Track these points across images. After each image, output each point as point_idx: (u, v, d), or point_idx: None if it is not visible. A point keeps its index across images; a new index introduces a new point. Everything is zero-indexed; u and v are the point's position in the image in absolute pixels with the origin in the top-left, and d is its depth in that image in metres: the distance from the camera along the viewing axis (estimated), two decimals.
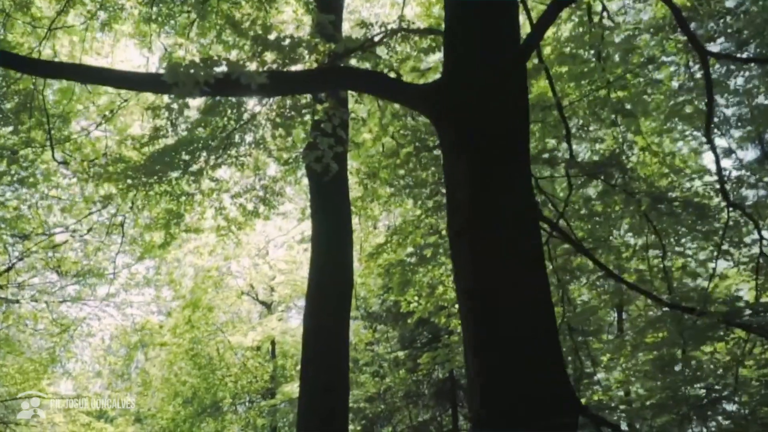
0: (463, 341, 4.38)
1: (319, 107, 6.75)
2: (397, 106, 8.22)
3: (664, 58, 8.52)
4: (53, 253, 13.98)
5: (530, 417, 3.65)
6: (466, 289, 4.21)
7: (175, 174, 8.36)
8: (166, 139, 8.12)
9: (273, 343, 27.07)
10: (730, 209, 7.22)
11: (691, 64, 8.49)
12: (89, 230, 12.59)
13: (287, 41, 5.26)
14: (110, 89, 11.44)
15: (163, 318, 18.64)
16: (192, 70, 4.35)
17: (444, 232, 8.66)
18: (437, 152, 8.42)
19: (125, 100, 11.16)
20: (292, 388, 15.55)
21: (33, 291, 15.00)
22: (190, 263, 13.56)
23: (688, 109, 8.48)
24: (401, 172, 9.38)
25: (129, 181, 8.06)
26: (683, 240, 8.85)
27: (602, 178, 7.63)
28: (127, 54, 12.71)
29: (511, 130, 4.44)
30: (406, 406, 14.15)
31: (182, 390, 23.31)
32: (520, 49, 4.73)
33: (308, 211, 15.59)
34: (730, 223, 7.59)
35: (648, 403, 7.86)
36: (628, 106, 7.86)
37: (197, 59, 4.52)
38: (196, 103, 7.14)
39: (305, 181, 11.35)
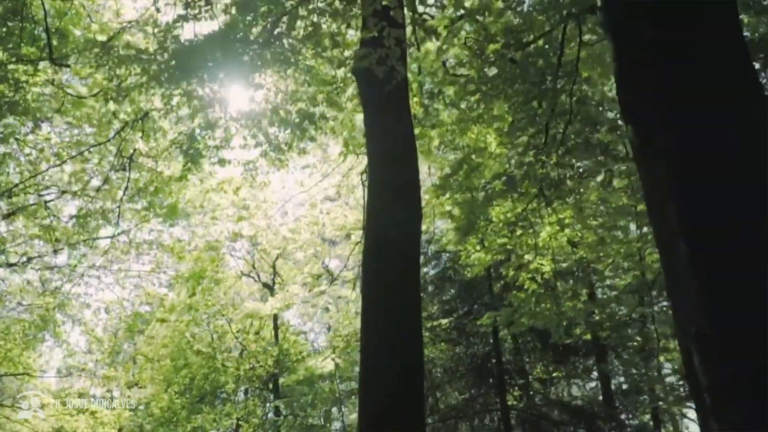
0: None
1: None
2: None
3: None
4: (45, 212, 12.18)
5: None
6: None
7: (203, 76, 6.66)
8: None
9: (276, 327, 25.48)
10: None
11: None
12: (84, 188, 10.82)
13: None
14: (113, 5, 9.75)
15: (165, 290, 16.88)
16: None
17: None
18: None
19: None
20: (317, 363, 13.83)
21: (21, 258, 13.18)
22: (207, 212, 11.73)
23: None
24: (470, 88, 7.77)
25: (145, 77, 6.32)
26: None
27: None
28: None
29: None
30: (448, 382, 12.53)
31: (179, 378, 21.80)
32: None
33: (324, 166, 14.19)
34: None
35: None
36: None
37: None
38: None
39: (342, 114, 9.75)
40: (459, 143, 8.88)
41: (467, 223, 8.43)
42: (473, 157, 8.08)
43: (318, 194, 13.73)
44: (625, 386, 13.34)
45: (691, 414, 12.46)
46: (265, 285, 24.13)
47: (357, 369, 22.22)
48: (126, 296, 15.49)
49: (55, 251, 12.82)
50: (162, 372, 21.06)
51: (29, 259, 13.18)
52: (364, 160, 12.21)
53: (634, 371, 12.37)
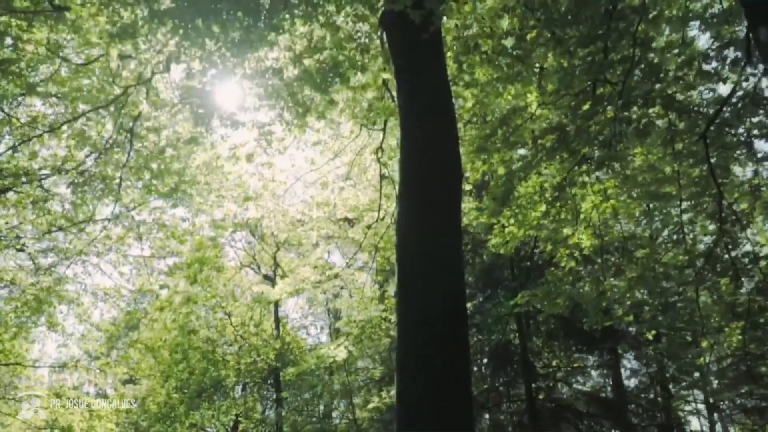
0: None
1: None
2: None
3: None
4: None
5: None
6: None
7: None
8: None
9: (277, 319, 24.74)
10: None
11: None
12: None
13: None
14: None
15: (164, 278, 16.02)
16: None
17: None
18: None
19: None
20: (328, 351, 13.06)
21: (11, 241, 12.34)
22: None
23: None
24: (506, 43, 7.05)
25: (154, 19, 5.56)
26: None
27: None
28: None
29: None
30: None
31: (177, 371, 21.13)
32: None
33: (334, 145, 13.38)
34: None
35: None
36: None
37: None
38: None
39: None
40: (493, 108, 8.14)
41: (504, 192, 7.69)
42: (512, 118, 7.34)
43: (329, 173, 12.97)
44: (669, 373, 12.65)
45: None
46: (266, 277, 23.50)
47: (368, 359, 21.63)
48: (124, 283, 14.64)
49: (49, 232, 12.00)
50: (160, 363, 20.34)
51: (20, 240, 12.37)
52: (377, 138, 11.53)
53: (666, 361, 11.70)
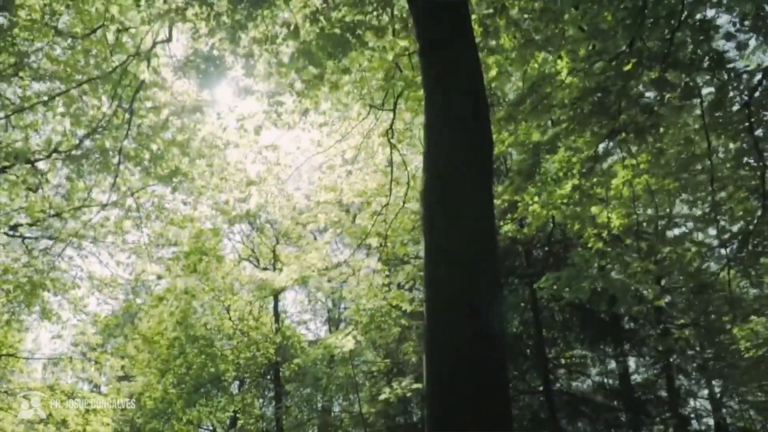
0: None
1: None
2: None
3: None
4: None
5: None
6: None
7: None
8: None
9: (277, 314, 24.24)
10: None
11: None
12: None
13: None
14: None
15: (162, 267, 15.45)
16: None
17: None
18: None
19: None
20: (336, 341, 12.53)
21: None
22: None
23: None
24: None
25: None
26: None
27: None
28: None
29: None
30: None
31: (174, 366, 20.62)
32: None
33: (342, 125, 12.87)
34: None
35: None
36: None
37: None
38: None
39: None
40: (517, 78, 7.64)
41: (531, 165, 7.19)
42: (542, 85, 6.84)
43: (336, 157, 12.45)
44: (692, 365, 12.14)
45: None
46: (265, 270, 23.01)
47: (373, 353, 21.10)
48: (121, 273, 14.06)
49: (43, 212, 11.41)
50: (157, 357, 19.81)
51: (15, 227, 11.79)
52: (386, 121, 11.10)
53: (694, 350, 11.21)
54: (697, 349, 11.21)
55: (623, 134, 6.40)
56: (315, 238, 15.44)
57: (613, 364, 13.38)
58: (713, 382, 10.55)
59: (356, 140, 12.38)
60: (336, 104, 10.75)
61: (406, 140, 12.25)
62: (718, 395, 11.96)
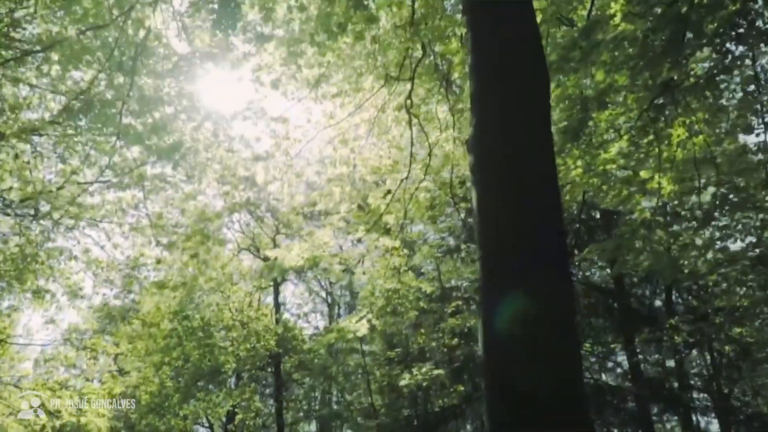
0: None
1: None
2: None
3: None
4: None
5: None
6: None
7: None
8: None
9: (277, 305, 23.52)
10: None
11: None
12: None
13: None
14: None
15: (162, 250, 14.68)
16: None
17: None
18: None
19: None
20: (350, 325, 11.79)
21: None
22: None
23: None
24: None
25: None
26: None
27: None
28: None
29: None
30: None
31: (171, 358, 19.93)
32: None
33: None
34: None
35: None
36: None
37: None
38: None
39: None
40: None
41: (579, 121, 6.49)
42: (594, 29, 6.14)
43: (349, 130, 11.74)
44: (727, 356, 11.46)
45: None
46: (265, 260, 22.27)
47: (383, 344, 20.40)
48: (118, 255, 13.29)
49: (32, 198, 10.62)
50: (154, 350, 19.08)
51: (7, 206, 11.02)
52: (402, 93, 10.54)
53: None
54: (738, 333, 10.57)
55: (683, 86, 5.70)
56: (339, 201, 14.62)
57: (640, 354, 12.70)
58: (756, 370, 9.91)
59: (370, 113, 11.71)
60: (349, 77, 10.16)
61: (422, 114, 11.62)
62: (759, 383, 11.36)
